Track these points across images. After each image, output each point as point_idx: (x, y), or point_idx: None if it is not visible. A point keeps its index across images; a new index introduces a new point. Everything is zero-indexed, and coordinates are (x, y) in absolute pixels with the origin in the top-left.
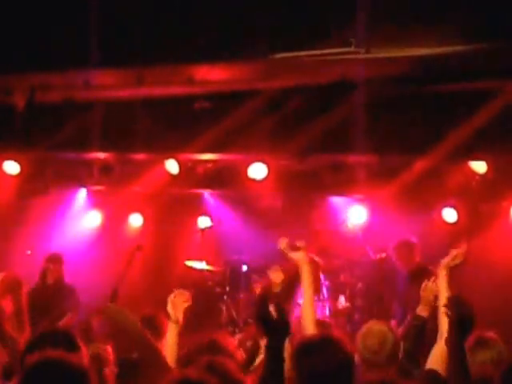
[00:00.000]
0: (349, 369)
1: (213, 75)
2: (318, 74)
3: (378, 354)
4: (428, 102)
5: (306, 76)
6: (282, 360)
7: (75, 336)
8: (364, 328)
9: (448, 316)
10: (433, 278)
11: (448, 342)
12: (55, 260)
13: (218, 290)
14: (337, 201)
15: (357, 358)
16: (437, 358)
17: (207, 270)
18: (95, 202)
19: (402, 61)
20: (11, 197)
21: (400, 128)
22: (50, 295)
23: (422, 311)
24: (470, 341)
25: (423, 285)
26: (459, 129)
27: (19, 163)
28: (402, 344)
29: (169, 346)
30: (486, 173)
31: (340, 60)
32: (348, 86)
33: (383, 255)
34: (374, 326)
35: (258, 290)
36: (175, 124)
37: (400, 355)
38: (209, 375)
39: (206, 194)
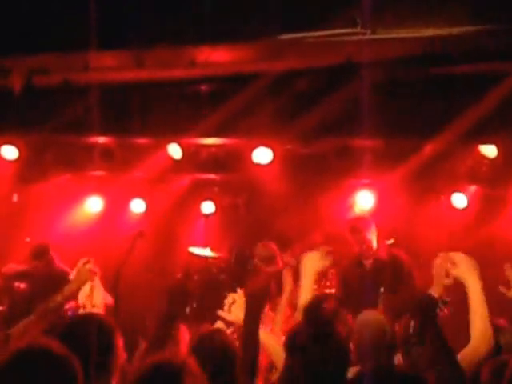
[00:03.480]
0: (344, 360)
1: (215, 57)
2: (323, 55)
3: (376, 347)
4: (436, 84)
5: (311, 57)
6: None
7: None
8: (359, 321)
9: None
10: (442, 254)
11: None
12: (39, 254)
13: (222, 277)
14: (344, 185)
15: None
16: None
17: (211, 257)
18: (96, 187)
19: (410, 42)
20: (9, 182)
21: (408, 111)
22: (42, 287)
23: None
24: None
25: (434, 262)
26: (469, 111)
27: (17, 148)
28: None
29: None
30: (497, 157)
31: (346, 41)
32: (354, 67)
33: (391, 241)
34: (370, 318)
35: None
36: (177, 108)
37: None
38: None
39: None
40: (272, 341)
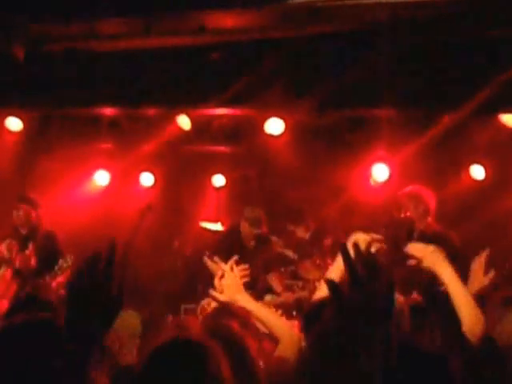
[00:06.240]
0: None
1: (226, 23)
2: (338, 21)
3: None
4: (456, 51)
5: (325, 23)
6: None
7: None
8: None
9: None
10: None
11: None
12: (24, 203)
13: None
14: (358, 158)
15: None
16: None
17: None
18: (103, 160)
19: (426, 6)
20: (14, 156)
21: (425, 80)
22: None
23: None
24: (495, 301)
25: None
26: (489, 79)
27: (21, 120)
28: None
29: None
30: None
31: (362, 5)
32: (371, 34)
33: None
34: None
35: None
36: (187, 77)
37: None
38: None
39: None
40: (271, 315)
